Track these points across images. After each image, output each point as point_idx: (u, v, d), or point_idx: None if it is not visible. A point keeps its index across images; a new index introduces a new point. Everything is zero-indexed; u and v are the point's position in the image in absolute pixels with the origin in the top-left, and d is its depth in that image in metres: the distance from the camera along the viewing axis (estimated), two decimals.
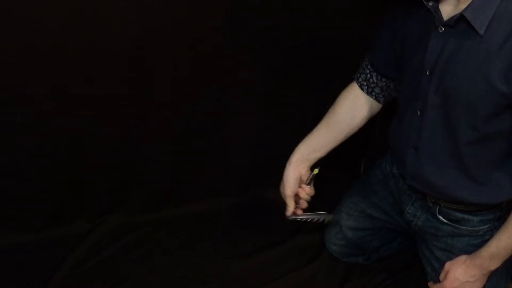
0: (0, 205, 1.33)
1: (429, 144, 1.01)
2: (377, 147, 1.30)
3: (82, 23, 1.09)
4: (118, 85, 1.22)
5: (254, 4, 1.19)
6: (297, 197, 1.17)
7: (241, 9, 1.19)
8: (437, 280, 1.10)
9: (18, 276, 1.25)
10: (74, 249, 1.33)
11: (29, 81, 1.15)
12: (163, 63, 1.21)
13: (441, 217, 1.10)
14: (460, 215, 1.07)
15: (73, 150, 1.30)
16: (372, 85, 1.16)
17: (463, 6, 0.87)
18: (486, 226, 1.06)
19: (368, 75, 1.15)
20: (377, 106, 1.19)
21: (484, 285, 1.05)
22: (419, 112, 1.00)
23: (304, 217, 1.19)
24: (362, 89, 1.17)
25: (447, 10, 0.91)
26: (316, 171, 1.16)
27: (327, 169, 1.59)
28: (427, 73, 0.96)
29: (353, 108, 1.17)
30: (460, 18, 0.88)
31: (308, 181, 1.17)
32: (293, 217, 1.19)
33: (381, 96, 1.17)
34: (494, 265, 1.00)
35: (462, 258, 1.06)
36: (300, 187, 1.16)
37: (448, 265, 1.08)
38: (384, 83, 1.15)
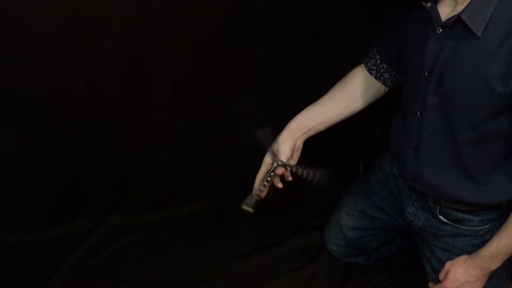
0: (0, 205, 1.33)
1: (429, 145, 1.01)
2: (376, 147, 1.30)
3: (82, 23, 1.09)
4: (118, 85, 1.22)
5: (254, 4, 1.19)
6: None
7: (241, 9, 1.19)
8: (437, 280, 1.10)
9: (18, 276, 1.25)
10: (74, 249, 1.33)
11: (29, 81, 1.15)
12: (163, 63, 1.21)
13: (441, 217, 1.10)
14: (460, 215, 1.07)
15: (73, 150, 1.30)
16: (382, 71, 1.16)
17: (460, 7, 0.88)
18: (486, 226, 1.06)
19: (378, 61, 1.16)
20: (383, 90, 1.19)
21: (485, 285, 1.05)
22: (418, 112, 1.01)
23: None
24: (370, 73, 1.17)
25: (445, 11, 0.91)
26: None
27: (326, 169, 1.60)
28: (426, 74, 0.96)
29: (361, 87, 1.17)
30: (457, 20, 0.88)
31: (299, 169, 1.09)
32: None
33: (389, 81, 1.17)
34: (495, 265, 1.00)
35: (463, 258, 1.06)
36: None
37: (448, 265, 1.08)
38: (393, 70, 1.16)
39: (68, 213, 1.40)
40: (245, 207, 1.09)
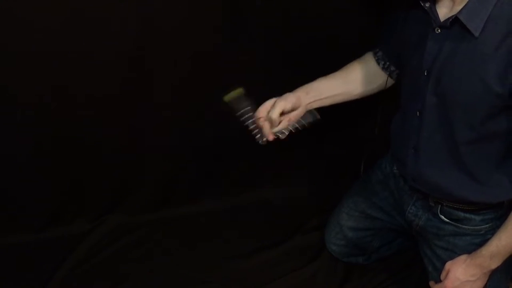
0: (0, 205, 1.33)
1: (429, 145, 1.01)
2: (377, 147, 1.30)
3: (82, 23, 1.09)
4: (118, 85, 1.22)
5: (254, 4, 1.19)
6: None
7: (241, 9, 1.19)
8: (438, 280, 1.10)
9: (18, 276, 1.25)
10: (74, 249, 1.33)
11: (29, 81, 1.15)
12: (163, 63, 1.21)
13: (442, 217, 1.10)
14: (462, 214, 1.07)
15: (73, 150, 1.30)
16: (388, 63, 1.17)
17: (458, 8, 0.88)
18: (487, 225, 1.06)
19: (385, 54, 1.17)
20: (389, 82, 1.20)
21: (485, 284, 1.05)
22: (418, 112, 1.01)
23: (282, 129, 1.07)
24: (378, 63, 1.18)
25: (443, 12, 0.92)
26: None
27: (327, 167, 1.60)
28: (425, 74, 0.96)
29: (371, 74, 1.18)
30: (455, 20, 0.88)
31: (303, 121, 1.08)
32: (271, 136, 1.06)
33: (395, 74, 1.18)
34: (495, 264, 1.00)
35: (463, 257, 1.06)
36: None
37: (448, 264, 1.08)
38: (399, 64, 1.16)
39: (68, 213, 1.40)
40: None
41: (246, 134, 1.44)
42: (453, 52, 0.90)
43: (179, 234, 1.42)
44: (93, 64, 1.16)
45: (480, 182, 1.00)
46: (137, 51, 1.18)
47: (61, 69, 1.15)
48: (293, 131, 1.11)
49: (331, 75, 1.16)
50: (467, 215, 1.06)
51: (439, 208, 1.10)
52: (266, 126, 1.06)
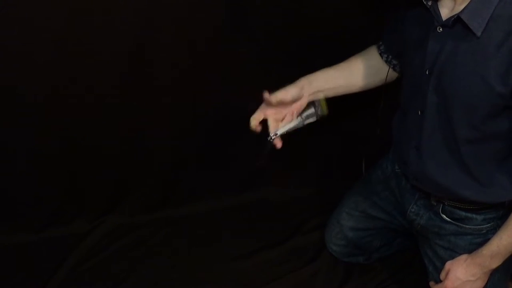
0: (0, 205, 1.33)
1: (430, 144, 1.01)
2: (378, 146, 1.30)
3: (82, 23, 1.09)
4: (118, 85, 1.22)
5: (254, 4, 1.19)
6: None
7: (241, 9, 1.19)
8: (438, 280, 1.10)
9: (18, 276, 1.25)
10: (74, 249, 1.33)
11: (29, 81, 1.15)
12: (163, 63, 1.21)
13: (444, 216, 1.10)
14: (463, 213, 1.07)
15: (73, 150, 1.30)
16: (391, 57, 1.17)
17: (460, 7, 0.88)
18: (489, 225, 1.06)
19: (388, 49, 1.17)
20: (393, 75, 1.20)
21: (485, 284, 1.05)
22: (419, 111, 1.01)
23: (289, 126, 1.06)
24: (381, 56, 1.18)
25: (445, 11, 0.91)
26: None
27: (327, 167, 1.60)
28: (426, 73, 0.96)
29: (374, 67, 1.18)
30: (457, 20, 0.88)
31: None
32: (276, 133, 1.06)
33: (398, 67, 1.18)
34: (495, 263, 1.00)
35: (463, 257, 1.06)
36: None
37: (449, 264, 1.08)
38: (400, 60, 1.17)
39: (68, 213, 1.40)
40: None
41: (246, 134, 1.44)
42: (454, 51, 0.90)
43: (179, 234, 1.42)
44: (93, 64, 1.16)
45: (481, 182, 1.00)
46: (137, 51, 1.18)
47: (61, 69, 1.15)
48: (298, 128, 1.10)
49: (335, 66, 1.16)
50: (469, 215, 1.06)
51: (440, 207, 1.10)
52: (272, 124, 1.07)
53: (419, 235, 1.20)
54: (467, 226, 1.07)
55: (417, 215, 1.16)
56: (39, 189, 1.33)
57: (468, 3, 0.86)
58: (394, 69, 1.18)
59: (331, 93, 1.14)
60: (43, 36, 1.09)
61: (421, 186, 1.09)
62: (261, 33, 1.25)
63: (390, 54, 1.17)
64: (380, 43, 1.19)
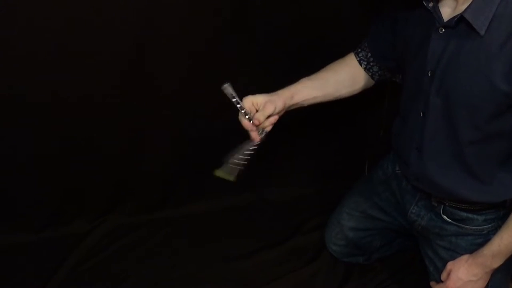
0: (0, 205, 1.33)
1: (432, 145, 1.01)
2: (382, 147, 1.30)
3: (81, 23, 1.09)
4: (118, 85, 1.22)
5: (254, 4, 1.19)
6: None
7: (241, 9, 1.19)
8: (439, 280, 1.10)
9: (18, 276, 1.25)
10: (74, 249, 1.33)
11: (29, 81, 1.15)
12: (163, 63, 1.21)
13: (445, 217, 1.10)
14: (464, 214, 1.07)
15: (73, 150, 1.30)
16: (371, 64, 1.17)
17: (462, 7, 0.87)
18: (490, 225, 1.06)
19: (369, 54, 1.16)
20: (371, 82, 1.20)
21: (487, 284, 1.05)
22: (421, 113, 1.00)
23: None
24: (360, 64, 1.18)
25: (447, 11, 0.91)
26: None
27: (327, 167, 1.60)
28: (428, 74, 0.96)
29: (352, 75, 1.18)
30: (460, 19, 0.88)
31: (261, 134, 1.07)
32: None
33: (377, 75, 1.18)
34: (496, 263, 1.00)
35: (464, 257, 1.06)
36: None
37: (450, 264, 1.08)
38: (383, 65, 1.17)
39: (68, 213, 1.39)
40: (222, 174, 1.07)
41: (246, 134, 1.43)
42: (457, 51, 0.90)
43: (179, 234, 1.42)
44: (93, 64, 1.16)
45: (483, 182, 1.00)
46: (137, 51, 1.17)
47: (61, 69, 1.15)
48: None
49: (313, 77, 1.14)
50: (470, 215, 1.06)
51: (441, 208, 1.10)
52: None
53: (420, 236, 1.20)
54: (468, 227, 1.07)
55: (418, 216, 1.16)
56: (39, 189, 1.33)
57: (471, 3, 0.86)
58: (372, 77, 1.18)
59: (307, 104, 1.14)
60: (43, 37, 1.09)
61: (422, 186, 1.09)
62: (261, 33, 1.25)
63: (371, 60, 1.16)
64: (359, 50, 1.18)
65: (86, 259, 1.31)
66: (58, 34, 1.10)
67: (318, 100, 1.14)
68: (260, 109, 1.03)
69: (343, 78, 1.17)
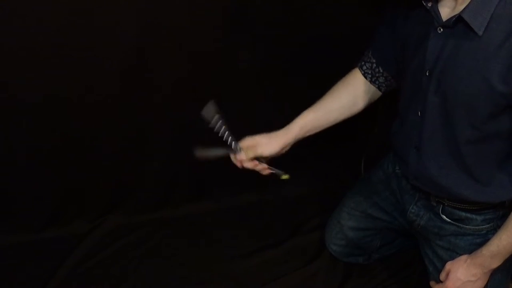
0: (0, 205, 1.33)
1: (431, 144, 1.01)
2: (377, 146, 1.30)
3: (81, 23, 1.09)
4: (118, 85, 1.22)
5: (254, 4, 1.19)
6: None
7: (241, 9, 1.19)
8: (439, 280, 1.10)
9: (18, 276, 1.25)
10: (74, 249, 1.33)
11: (29, 81, 1.15)
12: (163, 63, 1.21)
13: (444, 216, 1.10)
14: (463, 214, 1.07)
15: (73, 150, 1.30)
16: (377, 75, 1.16)
17: (461, 7, 0.88)
18: (489, 225, 1.06)
19: (374, 65, 1.16)
20: (377, 94, 1.20)
21: (486, 284, 1.05)
22: (419, 112, 1.01)
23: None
24: (365, 77, 1.18)
25: (445, 11, 0.92)
26: (285, 176, 1.14)
27: (327, 167, 1.60)
28: (427, 74, 0.96)
29: (355, 94, 1.17)
30: (458, 19, 0.88)
31: (275, 172, 1.14)
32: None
33: (383, 85, 1.18)
34: (495, 263, 1.00)
35: (463, 257, 1.06)
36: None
37: (449, 265, 1.08)
38: (389, 74, 1.16)
39: (68, 213, 1.39)
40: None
41: (246, 134, 1.43)
42: (455, 51, 0.90)
43: (179, 234, 1.42)
44: (93, 64, 1.16)
45: (482, 182, 1.00)
46: (137, 51, 1.18)
47: (61, 69, 1.15)
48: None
49: (317, 108, 1.15)
50: (469, 215, 1.06)
51: (440, 208, 1.10)
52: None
53: (419, 235, 1.20)
54: (467, 227, 1.07)
55: (417, 216, 1.16)
56: (39, 189, 1.33)
57: (469, 3, 0.86)
58: (379, 89, 1.18)
59: (315, 132, 1.16)
60: (43, 36, 1.09)
61: (421, 186, 1.09)
62: (262, 33, 1.25)
63: (378, 68, 1.15)
64: (362, 62, 1.18)
65: (86, 259, 1.31)
66: (58, 34, 1.10)
67: (327, 126, 1.16)
68: (248, 149, 1.09)
69: (347, 101, 1.17)
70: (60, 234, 1.37)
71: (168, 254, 1.35)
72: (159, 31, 1.16)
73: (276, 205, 1.54)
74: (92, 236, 1.38)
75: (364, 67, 1.17)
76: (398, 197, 1.21)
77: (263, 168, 1.13)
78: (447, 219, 1.10)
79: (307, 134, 1.14)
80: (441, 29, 0.92)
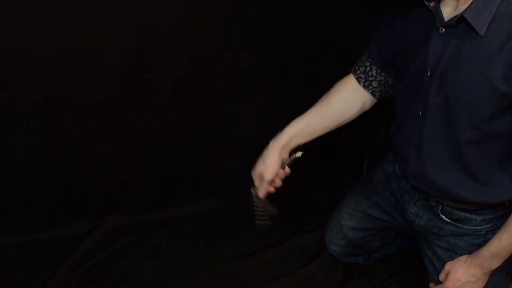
0: (0, 205, 1.33)
1: (431, 144, 1.01)
2: (381, 146, 1.30)
3: (82, 23, 1.09)
4: (118, 85, 1.22)
5: (255, 4, 1.19)
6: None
7: (241, 9, 1.19)
8: (438, 281, 1.10)
9: (18, 276, 1.25)
10: (74, 249, 1.33)
11: (29, 81, 1.15)
12: (163, 64, 1.21)
13: (443, 217, 1.10)
14: (463, 214, 1.07)
15: (73, 150, 1.30)
16: (370, 79, 1.15)
17: (463, 7, 0.88)
18: (488, 225, 1.06)
19: (368, 68, 1.15)
20: (371, 101, 1.19)
21: (485, 284, 1.05)
22: (420, 112, 1.00)
23: (260, 205, 1.15)
24: (359, 81, 1.16)
25: (447, 11, 0.91)
26: (299, 154, 1.12)
27: (328, 167, 1.60)
28: (428, 74, 0.96)
29: (349, 100, 1.17)
30: (460, 19, 0.88)
31: (288, 163, 1.12)
32: (256, 199, 1.14)
33: (377, 91, 1.17)
34: (495, 264, 1.00)
35: (463, 258, 1.06)
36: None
37: (448, 265, 1.08)
38: (383, 78, 1.15)
39: (68, 213, 1.39)
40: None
41: (246, 134, 1.44)
42: (457, 51, 0.90)
43: (179, 234, 1.42)
44: (93, 64, 1.16)
45: (482, 182, 1.00)
46: (137, 52, 1.18)
47: (61, 69, 1.15)
48: None
49: (308, 115, 1.15)
50: (468, 215, 1.06)
51: (440, 208, 1.10)
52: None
53: (419, 235, 1.20)
54: (466, 227, 1.07)
55: (416, 216, 1.16)
56: (39, 189, 1.33)
57: (471, 3, 0.86)
58: (373, 94, 1.17)
59: (308, 140, 1.15)
60: (43, 36, 1.09)
61: (421, 186, 1.09)
62: (262, 33, 1.25)
63: (373, 70, 1.14)
64: (356, 67, 1.17)
65: (86, 259, 1.31)
66: (58, 35, 1.10)
67: (320, 134, 1.16)
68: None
69: (339, 107, 1.16)
70: (60, 234, 1.37)
71: (168, 254, 1.35)
72: (159, 31, 1.16)
73: (276, 205, 1.54)
74: (92, 236, 1.37)
75: (358, 72, 1.16)
76: (398, 197, 1.21)
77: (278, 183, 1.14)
78: (446, 219, 1.10)
79: (298, 143, 1.13)
80: (443, 29, 0.92)
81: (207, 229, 1.44)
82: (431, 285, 1.15)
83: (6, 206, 1.33)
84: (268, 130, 1.46)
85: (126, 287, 1.24)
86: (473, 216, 1.06)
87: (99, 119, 1.26)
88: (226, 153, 1.46)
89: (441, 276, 1.09)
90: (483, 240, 1.05)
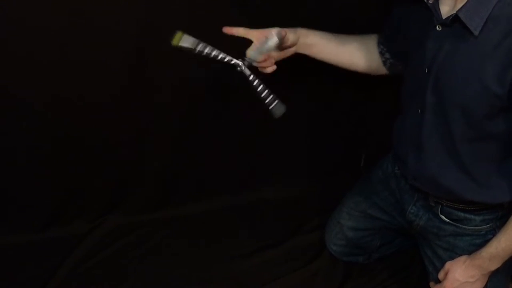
0: (0, 205, 1.33)
1: (429, 143, 1.01)
2: (377, 144, 1.30)
3: (82, 23, 1.10)
4: (118, 85, 1.22)
5: (255, 4, 1.19)
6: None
7: (241, 8, 1.19)
8: (438, 280, 1.10)
9: (18, 276, 1.25)
10: (74, 249, 1.33)
11: (29, 81, 1.15)
12: (163, 64, 1.21)
13: (443, 217, 1.10)
14: (462, 214, 1.07)
15: (73, 150, 1.30)
16: (385, 49, 1.17)
17: (459, 5, 0.88)
18: (488, 226, 1.06)
19: (386, 43, 1.17)
20: (381, 69, 1.20)
21: (485, 285, 1.05)
22: (419, 110, 1.01)
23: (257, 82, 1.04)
24: (378, 46, 1.18)
25: (445, 9, 0.91)
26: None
27: (327, 167, 1.60)
28: (426, 71, 0.96)
29: (363, 51, 1.18)
30: (455, 18, 0.88)
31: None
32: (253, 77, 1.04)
33: (388, 63, 1.18)
34: (494, 265, 1.00)
35: (462, 258, 1.06)
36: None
37: (448, 265, 1.08)
38: (393, 51, 1.16)
39: (68, 213, 1.39)
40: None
41: (246, 134, 1.44)
42: (452, 50, 0.90)
43: (179, 234, 1.42)
44: (93, 65, 1.16)
45: (480, 183, 1.00)
46: (137, 52, 1.18)
47: (61, 69, 1.15)
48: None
49: (333, 34, 1.15)
50: (468, 215, 1.06)
51: (439, 208, 1.10)
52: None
53: (418, 235, 1.20)
54: (466, 227, 1.07)
55: (416, 216, 1.16)
56: (39, 189, 1.33)
57: (466, 2, 0.86)
58: (384, 63, 1.18)
59: (318, 55, 1.14)
60: (43, 37, 1.09)
61: (420, 186, 1.09)
62: None
63: (387, 49, 1.16)
64: (382, 33, 1.18)
65: (86, 259, 1.31)
66: (58, 35, 1.10)
67: (334, 60, 1.15)
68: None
69: (362, 52, 1.17)
70: (60, 234, 1.37)
71: (168, 254, 1.35)
72: (159, 31, 1.16)
73: (276, 205, 1.54)
74: (92, 236, 1.37)
75: (381, 39, 1.18)
76: (398, 197, 1.22)
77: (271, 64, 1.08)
78: (446, 219, 1.10)
79: (317, 49, 1.12)
80: (440, 27, 0.92)
81: (207, 229, 1.44)
82: (431, 284, 1.15)
83: (6, 206, 1.33)
84: (268, 129, 1.46)
85: (126, 287, 1.24)
86: (472, 216, 1.06)
87: (99, 119, 1.26)
88: (226, 153, 1.46)
89: (440, 275, 1.09)
90: (483, 240, 1.05)
